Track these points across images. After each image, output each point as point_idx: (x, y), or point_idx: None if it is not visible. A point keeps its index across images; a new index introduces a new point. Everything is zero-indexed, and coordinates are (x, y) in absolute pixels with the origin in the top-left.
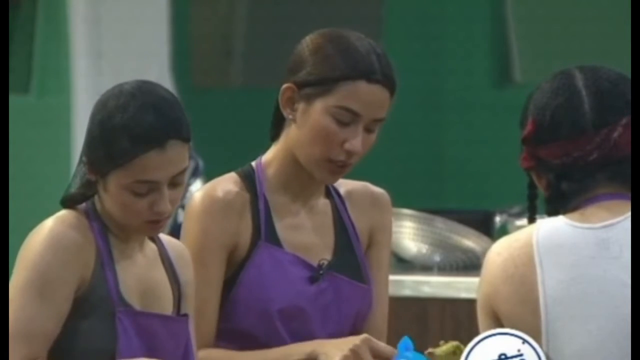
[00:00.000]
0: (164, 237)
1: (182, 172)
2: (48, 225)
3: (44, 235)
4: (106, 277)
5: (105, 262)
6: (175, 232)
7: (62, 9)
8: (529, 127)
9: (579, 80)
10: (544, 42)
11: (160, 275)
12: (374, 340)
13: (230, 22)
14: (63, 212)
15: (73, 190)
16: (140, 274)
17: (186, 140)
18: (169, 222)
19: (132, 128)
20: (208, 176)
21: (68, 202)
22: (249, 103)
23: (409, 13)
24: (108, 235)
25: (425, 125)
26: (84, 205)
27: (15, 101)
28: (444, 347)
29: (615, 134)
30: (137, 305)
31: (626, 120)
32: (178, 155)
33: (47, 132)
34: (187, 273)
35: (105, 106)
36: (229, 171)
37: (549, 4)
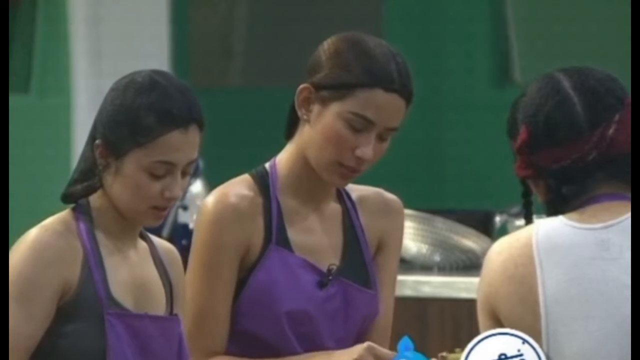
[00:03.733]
0: (154, 237)
1: (194, 160)
2: (31, 234)
3: (25, 245)
4: (94, 279)
5: (93, 264)
6: (176, 232)
7: (62, 9)
8: (522, 135)
9: (566, 83)
10: (544, 42)
11: (153, 273)
12: (377, 347)
13: (230, 22)
14: (48, 220)
15: (73, 184)
16: (133, 271)
17: (202, 128)
18: (170, 221)
19: (160, 107)
20: (208, 176)
21: (69, 198)
22: (248, 103)
23: (409, 13)
24: (97, 235)
25: (425, 125)
26: (76, 204)
27: (15, 101)
28: (459, 355)
29: (611, 131)
30: (130, 304)
31: (619, 116)
32: (196, 141)
33: (47, 132)
34: (177, 274)
35: (126, 89)
36: (228, 171)
37: (549, 4)
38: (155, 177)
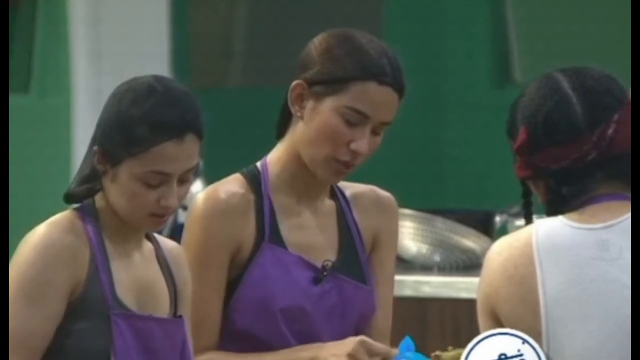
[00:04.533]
0: (159, 237)
1: (192, 168)
2: (40, 231)
3: (35, 241)
4: (101, 279)
5: (99, 264)
6: (176, 232)
7: (62, 9)
8: (521, 136)
9: (565, 83)
10: (544, 42)
11: (157, 274)
12: (370, 341)
13: (230, 22)
14: (55, 217)
15: (75, 185)
16: (137, 273)
17: (201, 137)
18: (170, 221)
19: (153, 117)
20: (208, 176)
21: (71, 199)
22: (248, 103)
23: (409, 13)
24: (103, 235)
25: (425, 125)
26: (80, 204)
27: (15, 101)
28: (452, 353)
29: (610, 131)
30: (133, 305)
31: (617, 116)
32: (193, 150)
33: (47, 132)
34: (183, 274)
35: (124, 96)
36: (228, 171)
37: (549, 4)
38: (150, 186)
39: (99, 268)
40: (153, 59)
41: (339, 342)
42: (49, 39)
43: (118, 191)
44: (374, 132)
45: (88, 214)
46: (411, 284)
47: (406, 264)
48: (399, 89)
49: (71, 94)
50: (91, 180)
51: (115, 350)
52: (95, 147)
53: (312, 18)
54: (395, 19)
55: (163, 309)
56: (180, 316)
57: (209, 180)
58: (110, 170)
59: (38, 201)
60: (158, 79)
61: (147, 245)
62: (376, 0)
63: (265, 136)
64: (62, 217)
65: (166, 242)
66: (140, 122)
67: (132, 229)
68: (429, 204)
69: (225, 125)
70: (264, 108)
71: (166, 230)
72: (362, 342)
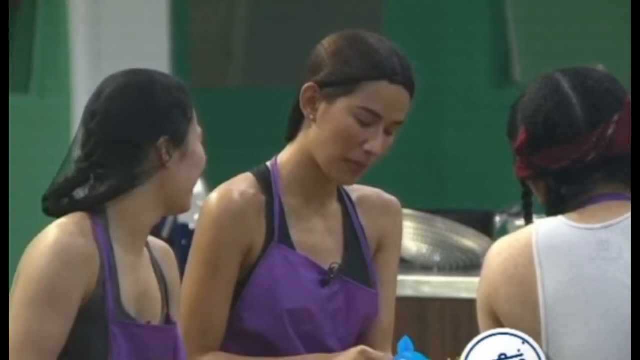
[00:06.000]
0: (150, 238)
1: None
2: (53, 234)
3: (50, 245)
4: (106, 286)
5: (108, 270)
6: (176, 232)
7: (62, 9)
8: (521, 136)
9: (565, 83)
10: (544, 42)
11: (152, 277)
12: (369, 350)
13: (230, 22)
14: (64, 220)
15: (55, 198)
16: (139, 279)
17: None
18: (170, 221)
19: (179, 94)
20: (208, 176)
21: (49, 213)
22: (248, 103)
23: (409, 13)
24: (112, 240)
25: (425, 124)
26: (90, 208)
27: (15, 101)
28: None
29: (610, 131)
30: (134, 311)
31: (618, 116)
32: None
33: (47, 132)
34: (172, 273)
35: (151, 89)
36: (228, 171)
37: (549, 4)
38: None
39: (108, 274)
40: (153, 59)
41: (340, 354)
42: (49, 39)
43: (189, 165)
44: (387, 132)
45: (99, 218)
46: (411, 284)
47: (406, 264)
48: (410, 88)
49: (71, 94)
50: (73, 190)
51: (113, 358)
52: (161, 140)
53: (312, 18)
54: (396, 19)
55: (157, 312)
56: (175, 323)
57: (209, 180)
58: (177, 151)
59: (38, 201)
60: (134, 71)
61: (144, 251)
62: (376, 0)
63: (265, 136)
64: (71, 220)
65: (155, 242)
66: (186, 96)
67: (139, 236)
68: (429, 204)
69: (225, 125)
70: (264, 108)
71: (166, 230)
72: (362, 352)
